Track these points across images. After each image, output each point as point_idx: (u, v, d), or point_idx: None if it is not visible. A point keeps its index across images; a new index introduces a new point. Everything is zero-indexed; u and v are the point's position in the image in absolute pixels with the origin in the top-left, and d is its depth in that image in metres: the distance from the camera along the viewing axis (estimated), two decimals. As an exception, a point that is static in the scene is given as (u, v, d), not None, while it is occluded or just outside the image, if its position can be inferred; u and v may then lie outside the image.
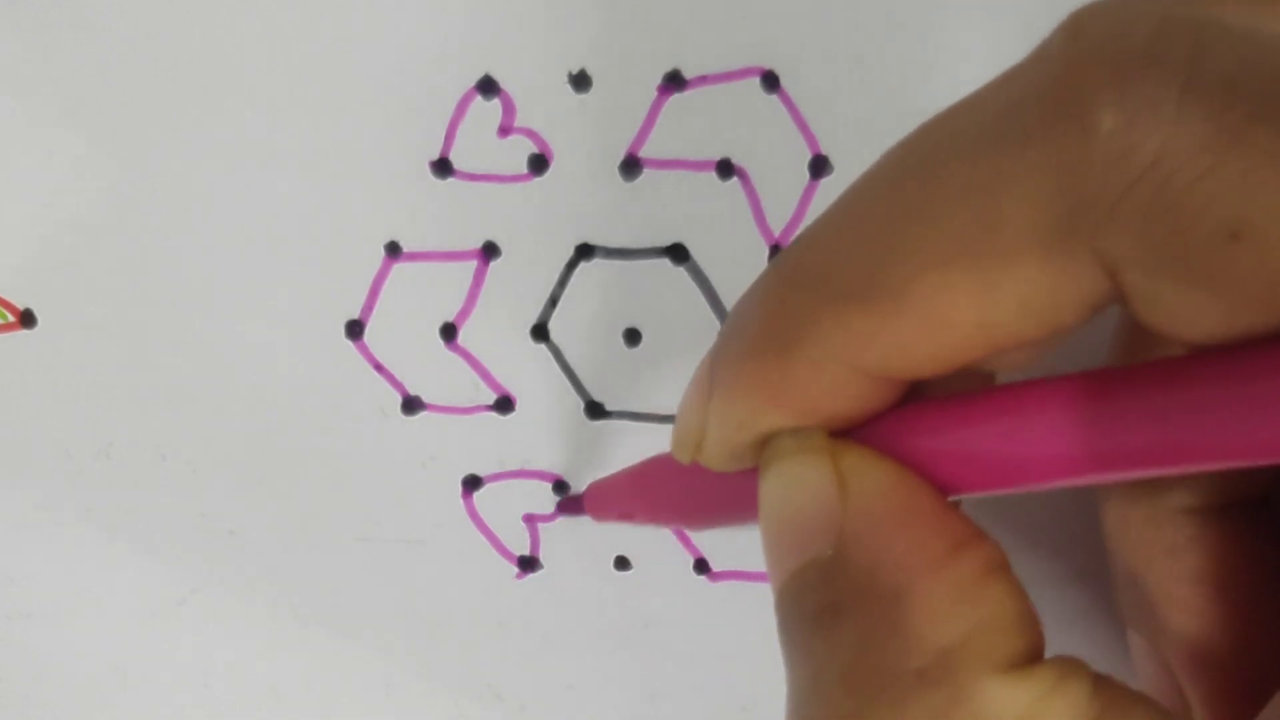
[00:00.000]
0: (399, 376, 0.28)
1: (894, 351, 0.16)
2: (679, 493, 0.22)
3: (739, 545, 0.28)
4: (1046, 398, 0.16)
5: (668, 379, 0.27)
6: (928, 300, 0.15)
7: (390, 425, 0.28)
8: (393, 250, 0.27)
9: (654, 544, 0.28)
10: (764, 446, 0.18)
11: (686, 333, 0.27)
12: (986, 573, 0.16)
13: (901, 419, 0.17)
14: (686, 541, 0.28)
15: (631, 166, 0.26)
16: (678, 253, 0.27)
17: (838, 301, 0.16)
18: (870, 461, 0.17)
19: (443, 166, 0.27)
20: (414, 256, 0.27)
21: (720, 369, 0.18)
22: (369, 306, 0.28)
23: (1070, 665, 0.15)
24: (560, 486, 0.28)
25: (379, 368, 0.28)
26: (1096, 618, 0.26)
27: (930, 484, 0.17)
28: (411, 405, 0.28)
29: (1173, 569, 0.20)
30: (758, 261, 0.26)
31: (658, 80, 0.26)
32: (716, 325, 0.27)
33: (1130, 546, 0.21)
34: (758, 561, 0.28)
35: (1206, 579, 0.20)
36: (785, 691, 0.17)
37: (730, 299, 0.27)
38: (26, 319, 0.28)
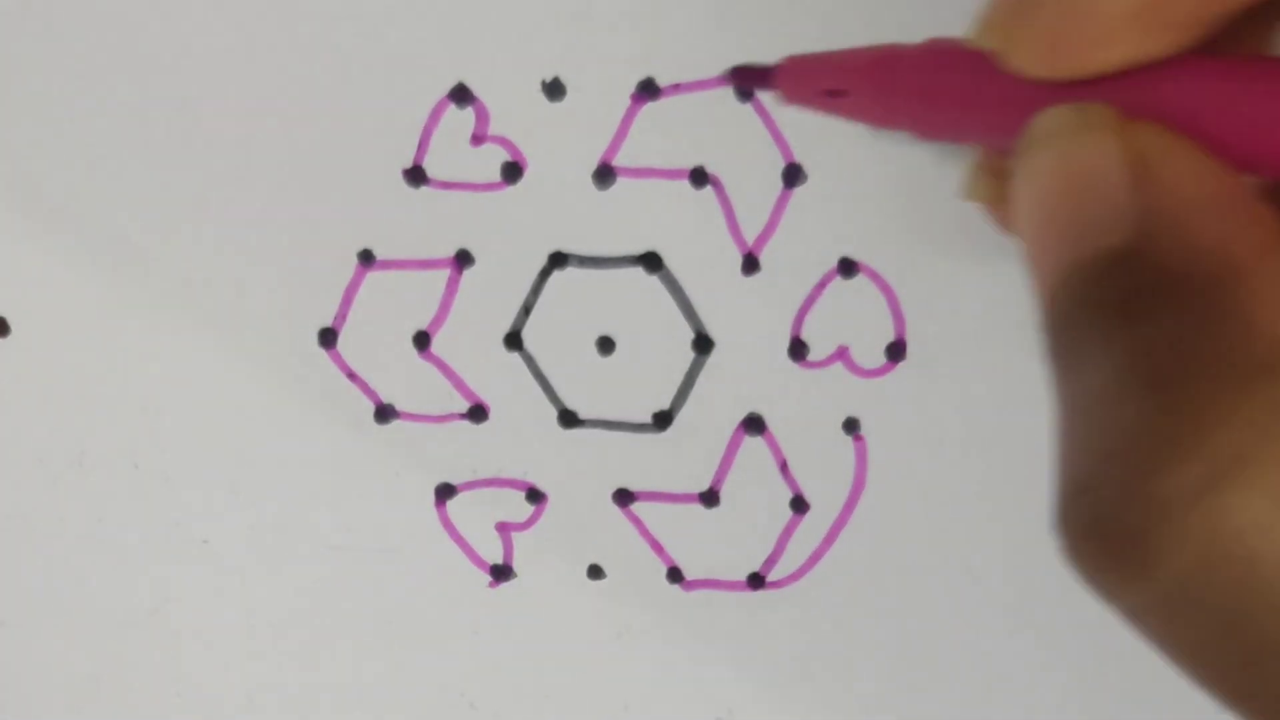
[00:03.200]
0: (372, 385, 0.28)
1: None
2: (917, 84, 0.19)
3: (712, 555, 0.28)
4: None
5: (641, 388, 0.27)
6: None
7: (363, 434, 0.28)
8: (366, 258, 0.27)
9: (627, 553, 0.28)
10: (1035, 120, 0.16)
11: (660, 341, 0.27)
12: None
13: (1184, 75, 0.15)
14: (660, 550, 0.28)
15: (605, 175, 0.26)
16: (651, 261, 0.27)
17: None
18: (1169, 140, 0.15)
19: (416, 175, 0.27)
20: (387, 265, 0.27)
21: None
22: (342, 315, 0.27)
23: None
24: (533, 495, 0.28)
25: (352, 376, 0.28)
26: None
27: (1230, 167, 0.15)
28: (384, 414, 0.28)
29: None
30: (731, 270, 0.26)
31: (631, 88, 0.26)
32: (690, 334, 0.27)
33: None
34: (731, 571, 0.28)
35: None
36: (1056, 415, 0.15)
37: (703, 307, 0.27)
38: (0, 327, 0.28)
